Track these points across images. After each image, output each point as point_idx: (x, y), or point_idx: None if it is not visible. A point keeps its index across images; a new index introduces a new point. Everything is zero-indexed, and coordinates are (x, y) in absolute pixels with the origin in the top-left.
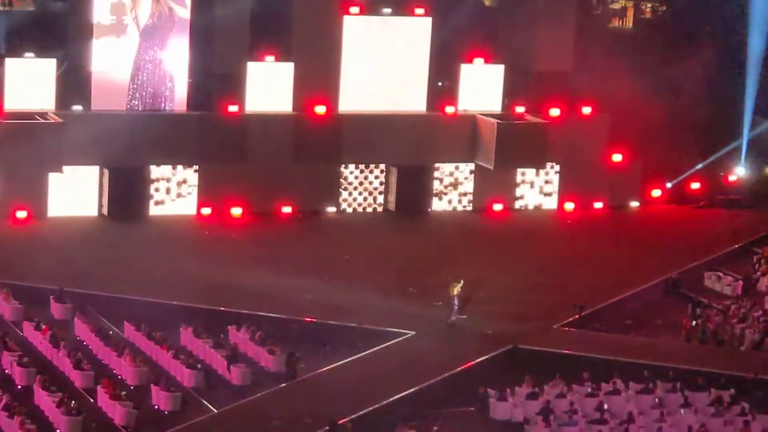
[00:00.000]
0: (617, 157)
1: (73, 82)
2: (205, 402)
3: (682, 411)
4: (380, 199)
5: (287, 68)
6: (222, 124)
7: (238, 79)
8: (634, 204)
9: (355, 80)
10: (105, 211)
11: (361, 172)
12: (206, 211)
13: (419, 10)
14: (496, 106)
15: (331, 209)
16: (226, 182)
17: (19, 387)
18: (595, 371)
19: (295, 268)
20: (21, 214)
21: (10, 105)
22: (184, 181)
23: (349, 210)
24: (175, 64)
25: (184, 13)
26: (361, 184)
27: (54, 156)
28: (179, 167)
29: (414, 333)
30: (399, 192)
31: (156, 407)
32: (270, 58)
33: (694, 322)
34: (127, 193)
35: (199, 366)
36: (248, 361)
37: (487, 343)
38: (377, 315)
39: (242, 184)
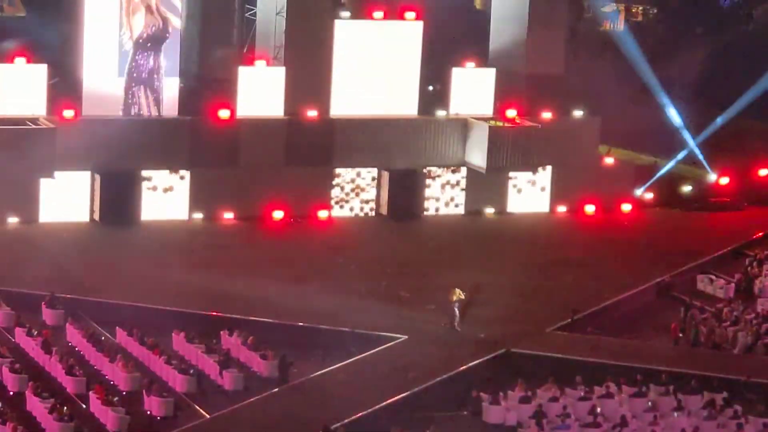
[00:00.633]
0: (609, 160)
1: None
2: (197, 407)
3: (675, 414)
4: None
5: (279, 73)
6: (214, 128)
7: (230, 84)
8: (627, 207)
9: (347, 84)
10: (96, 216)
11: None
12: (198, 215)
13: (410, 14)
14: (488, 110)
15: (323, 213)
16: (218, 187)
17: (11, 393)
18: (588, 375)
19: (287, 273)
20: (12, 220)
21: (1, 111)
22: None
23: (341, 214)
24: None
25: (179, 23)
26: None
27: (45, 161)
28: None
29: (407, 337)
30: (391, 196)
31: (148, 413)
32: (261, 63)
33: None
34: (118, 198)
35: (191, 371)
36: (240, 366)
37: (479, 347)
38: (370, 319)
39: (234, 188)
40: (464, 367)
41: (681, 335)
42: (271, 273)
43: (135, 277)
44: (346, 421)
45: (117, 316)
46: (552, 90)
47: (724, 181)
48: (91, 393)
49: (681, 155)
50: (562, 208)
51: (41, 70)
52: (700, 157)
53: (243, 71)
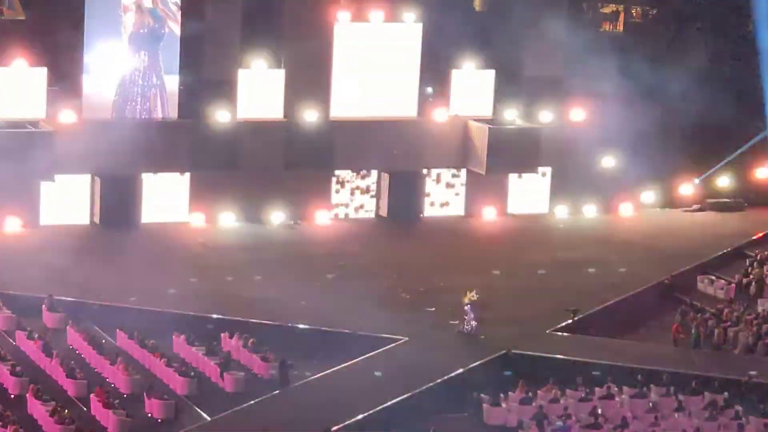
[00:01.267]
0: (609, 162)
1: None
2: (198, 409)
3: (676, 415)
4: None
5: (278, 75)
6: (213, 131)
7: (229, 87)
8: (627, 208)
9: (346, 87)
10: (97, 219)
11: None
12: (198, 218)
13: (409, 16)
14: (488, 112)
15: (324, 215)
16: (218, 189)
17: (12, 396)
18: (589, 376)
19: (288, 275)
20: (13, 223)
21: (1, 114)
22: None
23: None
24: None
25: (176, 27)
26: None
27: (45, 165)
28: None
29: (407, 339)
30: (391, 198)
31: (149, 415)
32: (261, 65)
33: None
34: (118, 201)
35: (192, 374)
36: (241, 368)
37: (480, 349)
38: (370, 321)
39: (234, 191)
40: (464, 368)
41: (682, 336)
42: (272, 275)
43: (135, 280)
44: (346, 422)
45: (118, 319)
46: (551, 92)
47: (724, 181)
48: (92, 396)
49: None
50: (561, 209)
51: (41, 73)
52: None
53: (242, 74)
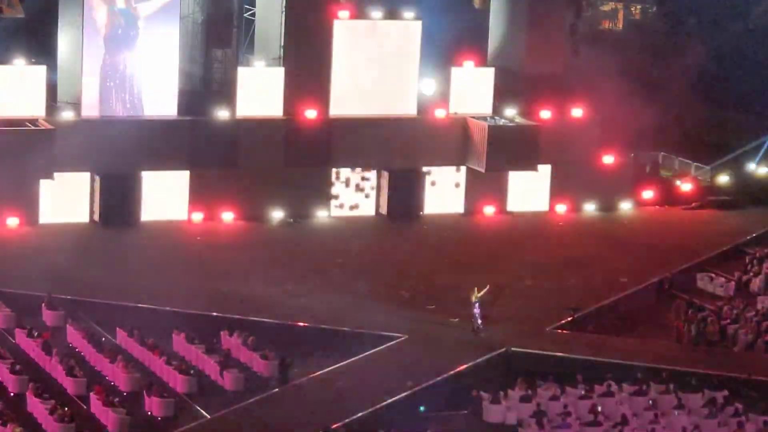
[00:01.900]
0: (608, 159)
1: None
2: (197, 407)
3: (676, 412)
4: None
5: (278, 73)
6: (213, 129)
7: (229, 85)
8: (626, 205)
9: (346, 84)
10: (96, 217)
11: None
12: (198, 216)
13: (409, 14)
14: (487, 109)
15: (323, 213)
16: (218, 187)
17: (12, 394)
18: (589, 373)
19: (287, 273)
20: (12, 222)
21: (1, 112)
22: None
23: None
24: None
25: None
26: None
27: (45, 163)
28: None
29: (406, 337)
30: (391, 196)
31: (149, 413)
32: (260, 63)
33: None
34: (118, 199)
35: (191, 372)
36: (241, 367)
37: (480, 346)
38: (369, 319)
39: (233, 189)
40: (464, 366)
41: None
42: (272, 273)
43: (135, 278)
44: (346, 420)
45: (117, 317)
46: (551, 89)
47: (724, 179)
48: (91, 394)
49: None
50: (561, 207)
51: (40, 71)
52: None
53: (242, 72)
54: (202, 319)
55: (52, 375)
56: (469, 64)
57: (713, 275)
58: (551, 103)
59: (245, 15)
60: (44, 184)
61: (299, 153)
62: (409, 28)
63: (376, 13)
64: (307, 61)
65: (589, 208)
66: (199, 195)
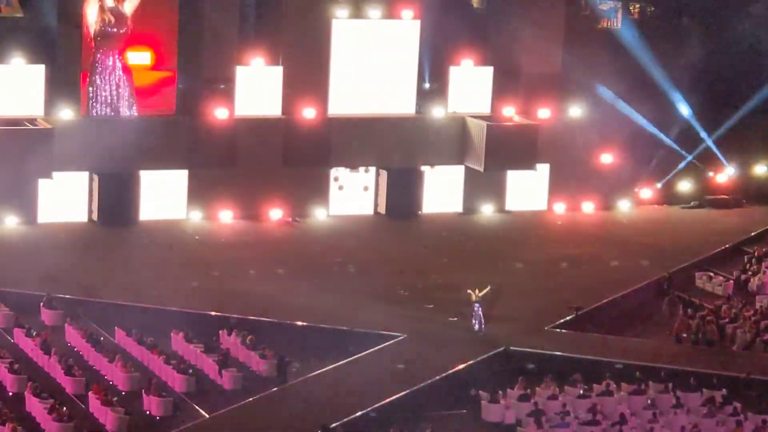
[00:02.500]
0: (607, 158)
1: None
2: (196, 407)
3: (675, 412)
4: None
5: (276, 72)
6: (211, 128)
7: (227, 84)
8: (625, 204)
9: (344, 83)
10: (95, 216)
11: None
12: (196, 215)
13: (407, 13)
14: (486, 108)
15: (322, 212)
16: (216, 187)
17: (11, 394)
18: (587, 372)
19: (286, 272)
20: (10, 221)
21: None
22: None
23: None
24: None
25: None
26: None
27: (43, 162)
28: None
29: (405, 336)
30: (389, 195)
31: (147, 412)
32: (258, 62)
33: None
34: (116, 198)
35: (190, 371)
36: (239, 366)
37: (478, 345)
38: (368, 318)
39: (232, 188)
40: (463, 365)
41: (684, 335)
42: (270, 272)
43: (134, 278)
44: (344, 420)
45: (116, 316)
46: (549, 88)
47: (723, 177)
48: (90, 393)
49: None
50: (559, 206)
51: (39, 70)
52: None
53: (240, 70)
54: (201, 318)
55: (51, 374)
56: (467, 63)
57: (712, 274)
58: (550, 102)
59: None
60: (42, 184)
61: (298, 152)
62: (408, 27)
63: (375, 12)
64: (306, 61)
65: (588, 207)
66: (197, 194)
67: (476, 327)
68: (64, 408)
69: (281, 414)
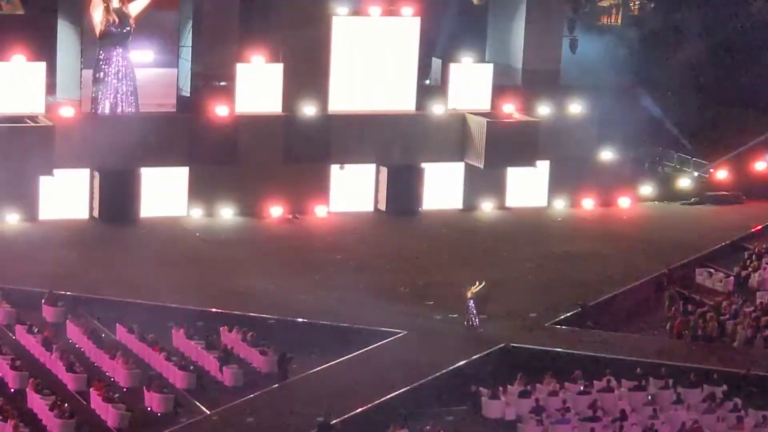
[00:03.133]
0: (607, 155)
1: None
2: (197, 403)
3: (675, 408)
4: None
5: (276, 69)
6: (212, 125)
7: (228, 81)
8: (625, 201)
9: (344, 80)
10: (96, 213)
11: None
12: (197, 212)
13: (407, 10)
14: (486, 105)
15: (322, 209)
16: (217, 184)
17: (12, 390)
18: (588, 369)
19: (287, 269)
20: (12, 218)
21: (0, 109)
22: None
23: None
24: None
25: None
26: None
27: (44, 159)
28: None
29: (405, 332)
30: (389, 191)
31: (149, 409)
32: (259, 59)
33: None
34: (118, 195)
35: (191, 367)
36: (240, 362)
37: (479, 342)
38: (369, 315)
39: (233, 185)
40: (463, 362)
41: (685, 331)
42: (271, 269)
43: (135, 274)
44: (344, 416)
45: (117, 313)
46: (549, 85)
47: (722, 174)
48: (91, 390)
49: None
50: (560, 203)
51: (40, 68)
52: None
53: (241, 68)
54: (202, 314)
55: (53, 371)
56: (467, 60)
57: (712, 270)
58: (550, 98)
59: None
60: (44, 181)
61: (298, 149)
62: (408, 23)
63: (375, 9)
64: (306, 57)
65: (588, 203)
66: (198, 191)
67: (470, 322)
68: (66, 405)
69: (281, 410)
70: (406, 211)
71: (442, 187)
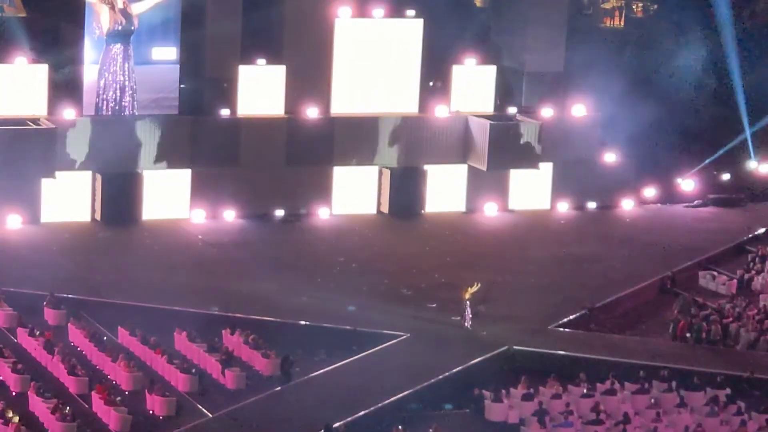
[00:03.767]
0: (610, 157)
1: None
2: (199, 406)
3: (678, 411)
4: None
5: (279, 71)
6: (215, 127)
7: (230, 83)
8: (628, 204)
9: (347, 82)
10: (98, 216)
11: None
12: (199, 214)
13: (410, 12)
14: (489, 107)
15: (325, 211)
16: (219, 186)
17: (14, 393)
18: (591, 372)
19: (289, 271)
20: (14, 221)
21: (2, 111)
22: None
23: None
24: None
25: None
26: None
27: (46, 162)
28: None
29: (408, 335)
30: (392, 194)
31: (151, 412)
32: (261, 61)
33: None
34: (119, 197)
35: (193, 370)
36: (243, 365)
37: (482, 345)
38: (371, 317)
39: (235, 187)
40: (466, 364)
41: (688, 335)
42: (273, 271)
43: (137, 277)
44: (348, 419)
45: (119, 316)
46: (552, 87)
47: (726, 176)
48: (93, 393)
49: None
50: (563, 205)
51: (42, 70)
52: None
53: (243, 70)
54: (204, 317)
55: (54, 374)
56: (470, 62)
57: (715, 273)
58: (553, 101)
59: None
60: (46, 183)
61: (301, 151)
62: (411, 26)
63: (378, 12)
64: (309, 60)
65: (591, 206)
66: (200, 193)
67: (465, 323)
68: (68, 407)
69: (284, 414)
70: (408, 214)
71: (445, 189)
